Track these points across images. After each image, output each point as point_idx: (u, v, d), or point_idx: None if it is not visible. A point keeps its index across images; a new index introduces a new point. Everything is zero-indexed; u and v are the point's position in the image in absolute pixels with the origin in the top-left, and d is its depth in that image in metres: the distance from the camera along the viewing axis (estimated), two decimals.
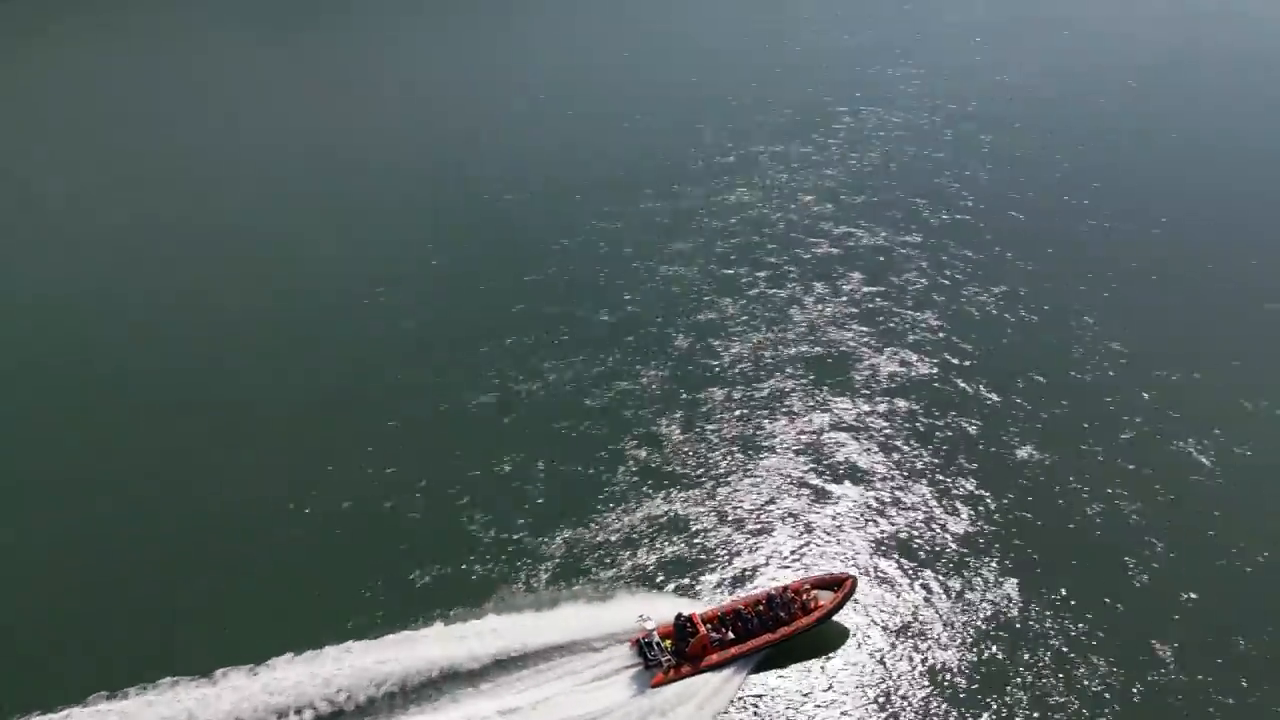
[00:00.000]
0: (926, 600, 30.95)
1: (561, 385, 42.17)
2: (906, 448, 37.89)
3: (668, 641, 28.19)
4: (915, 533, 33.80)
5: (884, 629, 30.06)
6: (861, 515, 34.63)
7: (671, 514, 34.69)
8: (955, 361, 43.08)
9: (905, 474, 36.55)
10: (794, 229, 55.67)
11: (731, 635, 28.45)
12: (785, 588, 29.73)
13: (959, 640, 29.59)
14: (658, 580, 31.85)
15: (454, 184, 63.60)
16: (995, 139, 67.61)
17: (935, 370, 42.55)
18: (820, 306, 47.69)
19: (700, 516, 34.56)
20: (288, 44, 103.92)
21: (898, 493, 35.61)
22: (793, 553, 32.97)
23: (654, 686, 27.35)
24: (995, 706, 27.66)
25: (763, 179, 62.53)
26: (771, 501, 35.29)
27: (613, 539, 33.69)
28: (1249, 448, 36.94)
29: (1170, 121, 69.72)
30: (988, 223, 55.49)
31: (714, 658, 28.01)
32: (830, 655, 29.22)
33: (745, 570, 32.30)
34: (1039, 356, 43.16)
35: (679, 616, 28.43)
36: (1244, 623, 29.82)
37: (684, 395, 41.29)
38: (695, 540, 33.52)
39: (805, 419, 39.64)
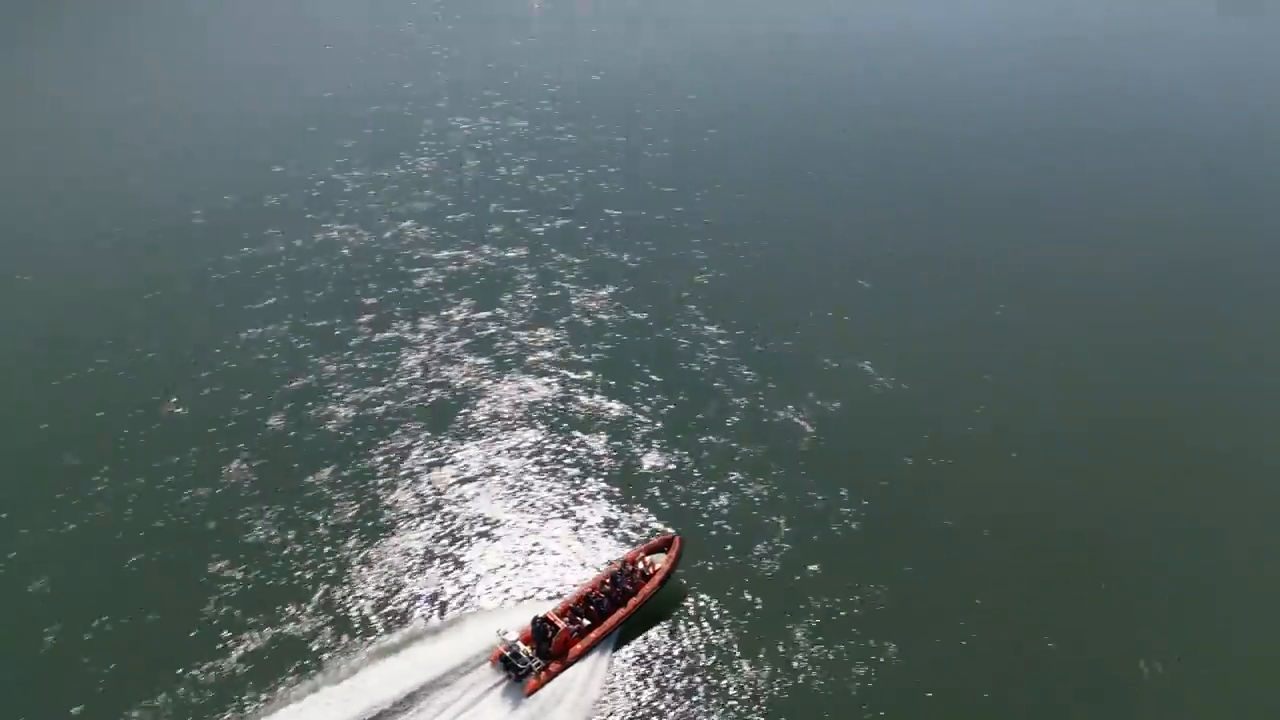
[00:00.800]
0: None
1: (127, 504, 34.28)
2: (540, 483, 35.85)
3: (530, 647, 27.80)
4: (558, 574, 31.88)
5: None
6: (505, 572, 31.91)
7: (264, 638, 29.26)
8: (575, 376, 42.00)
9: (542, 513, 34.45)
10: (393, 261, 51.36)
11: (587, 621, 28.83)
12: (623, 561, 30.38)
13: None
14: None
15: None
16: (583, 139, 68.69)
17: (557, 390, 41.08)
18: (431, 344, 44.11)
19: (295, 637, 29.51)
20: None
21: (536, 535, 33.40)
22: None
23: (529, 694, 27.10)
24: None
25: (353, 209, 57.24)
26: (396, 590, 31.22)
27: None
28: (837, 401, 40.20)
29: (761, 111, 75.20)
30: (588, 224, 55.69)
31: (578, 647, 28.25)
32: (677, 613, 30.20)
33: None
34: (651, 355, 43.61)
35: (535, 619, 28.16)
36: (862, 573, 31.85)
37: (281, 486, 35.51)
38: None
39: (427, 478, 35.94)
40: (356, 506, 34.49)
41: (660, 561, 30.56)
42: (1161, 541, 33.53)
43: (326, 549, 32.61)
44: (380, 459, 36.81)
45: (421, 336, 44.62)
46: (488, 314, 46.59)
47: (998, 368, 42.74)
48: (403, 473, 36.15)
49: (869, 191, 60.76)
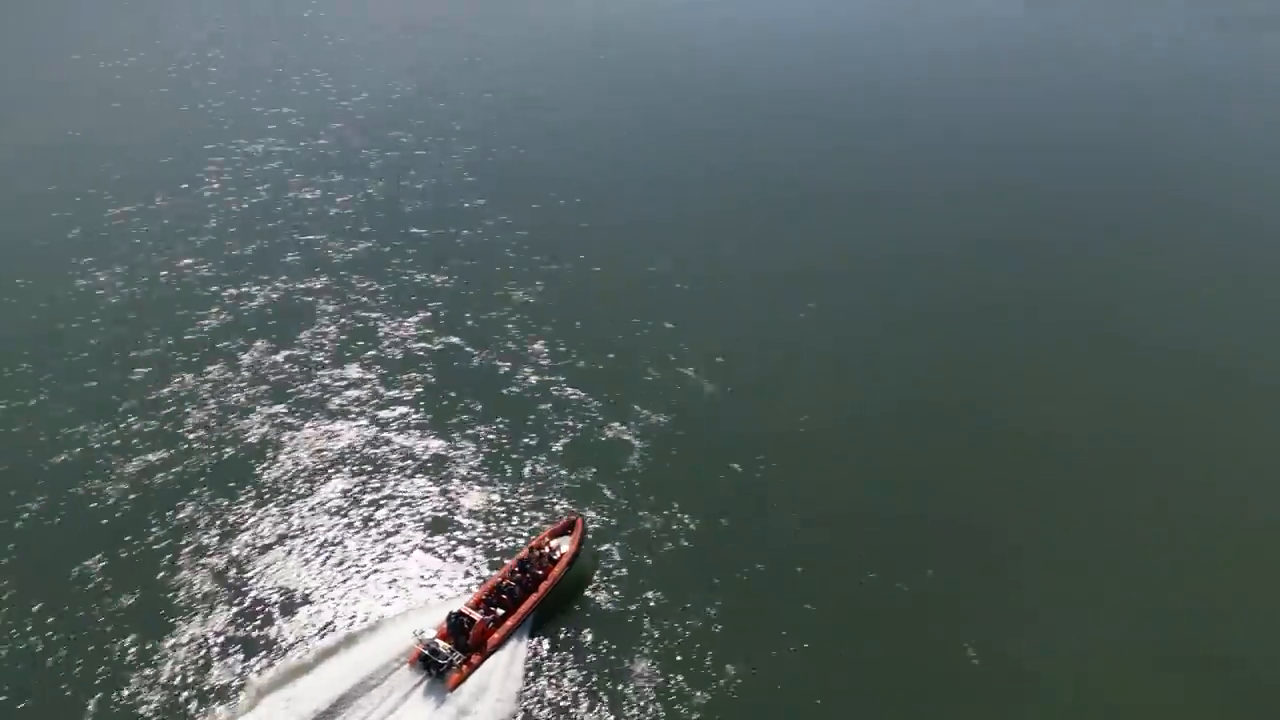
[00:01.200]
0: None
1: None
2: (352, 542, 32.78)
3: (448, 643, 27.45)
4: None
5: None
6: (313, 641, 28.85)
7: None
8: (386, 415, 39.06)
9: (359, 577, 31.45)
10: (173, 304, 46.12)
11: (501, 611, 28.79)
12: (530, 547, 30.60)
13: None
14: None
15: None
16: (382, 154, 65.06)
17: (367, 433, 38.01)
18: (220, 396, 39.69)
19: None
20: None
21: (353, 601, 30.50)
22: None
23: (453, 688, 26.78)
24: None
25: (125, 249, 51.13)
26: (187, 688, 27.59)
27: None
28: (663, 414, 39.50)
29: (562, 114, 74.27)
30: (393, 246, 52.44)
31: (496, 637, 28.11)
32: (588, 591, 30.63)
33: None
34: (469, 382, 41.31)
35: (450, 614, 27.87)
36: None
37: (43, 578, 30.64)
38: None
39: (219, 553, 32.03)
40: (138, 592, 30.31)
41: (566, 545, 30.88)
42: (988, 522, 34.57)
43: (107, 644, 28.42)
44: (164, 533, 32.58)
45: (207, 389, 40.10)
46: (284, 354, 42.59)
47: (815, 364, 43.44)
48: (190, 547, 32.15)
49: (681, 196, 60.73)
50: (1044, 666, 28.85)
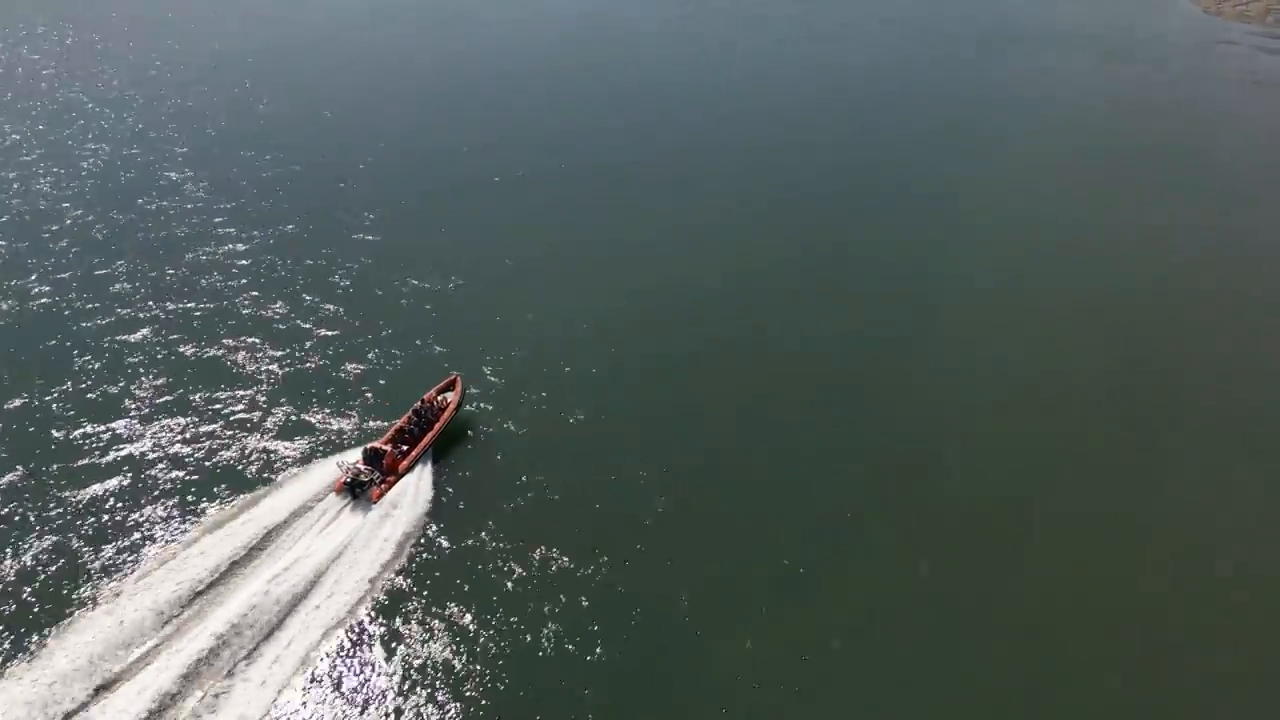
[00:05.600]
0: None
1: None
2: (277, 409, 38.75)
3: (367, 469, 33.77)
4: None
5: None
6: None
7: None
8: (303, 316, 44.93)
9: (284, 435, 37.54)
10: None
11: (405, 446, 35.47)
12: (422, 400, 37.47)
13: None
14: None
15: None
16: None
17: (291, 331, 43.80)
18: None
19: None
20: None
21: (282, 453, 36.45)
22: None
23: (376, 501, 33.17)
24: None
25: None
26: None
27: None
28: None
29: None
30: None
31: (404, 464, 34.75)
32: (470, 433, 37.75)
33: None
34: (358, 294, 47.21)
35: (365, 449, 34.55)
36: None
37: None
38: None
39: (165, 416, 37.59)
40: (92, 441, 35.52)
41: (451, 396, 38.02)
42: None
43: None
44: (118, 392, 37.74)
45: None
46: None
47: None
48: (138, 410, 37.46)
49: (473, 195, 60.47)
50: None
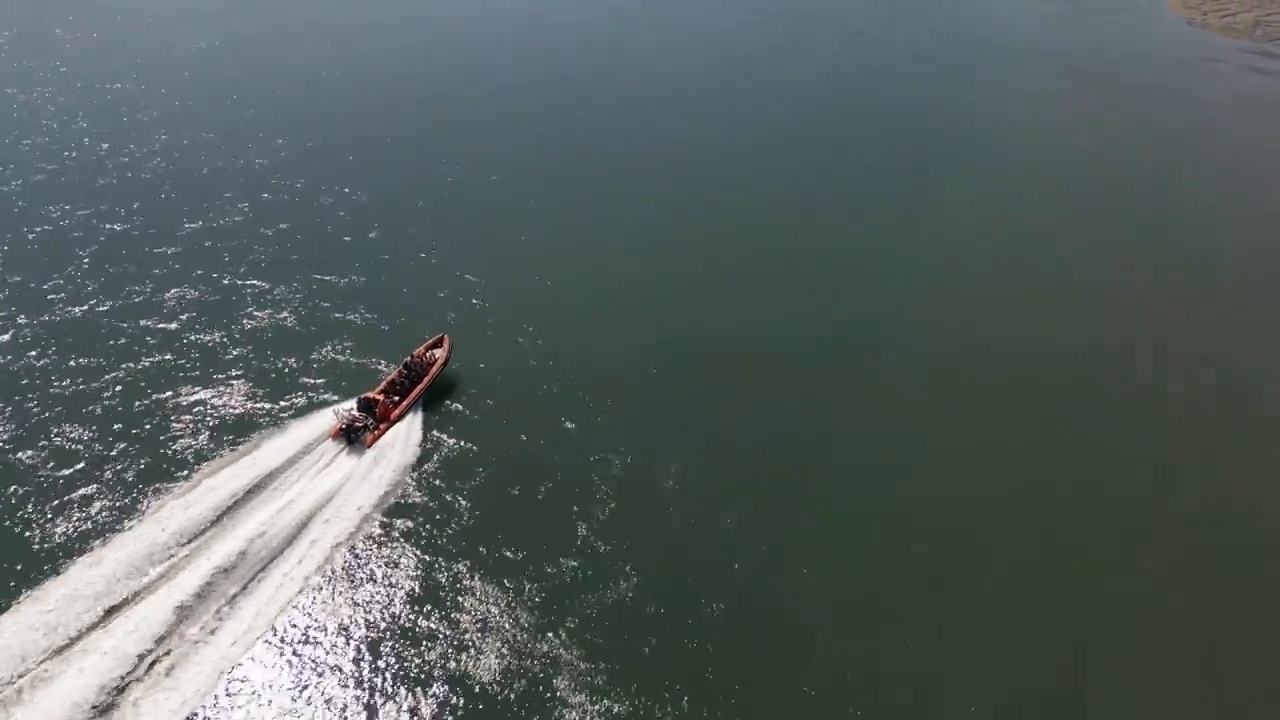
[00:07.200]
0: None
1: None
2: (279, 363, 41.46)
3: (361, 416, 36.26)
4: None
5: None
6: None
7: None
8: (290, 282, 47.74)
9: (284, 386, 40.27)
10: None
11: (397, 397, 38.05)
12: (412, 355, 40.13)
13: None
14: None
15: None
16: None
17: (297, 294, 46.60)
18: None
19: None
20: None
21: (283, 402, 39.11)
22: None
23: (370, 445, 35.73)
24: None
25: None
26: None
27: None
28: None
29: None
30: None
31: (396, 413, 37.35)
32: (460, 389, 40.39)
33: None
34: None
35: (360, 399, 36.98)
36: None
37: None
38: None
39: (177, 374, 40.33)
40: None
41: (439, 352, 40.65)
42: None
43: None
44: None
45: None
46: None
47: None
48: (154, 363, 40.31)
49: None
50: None
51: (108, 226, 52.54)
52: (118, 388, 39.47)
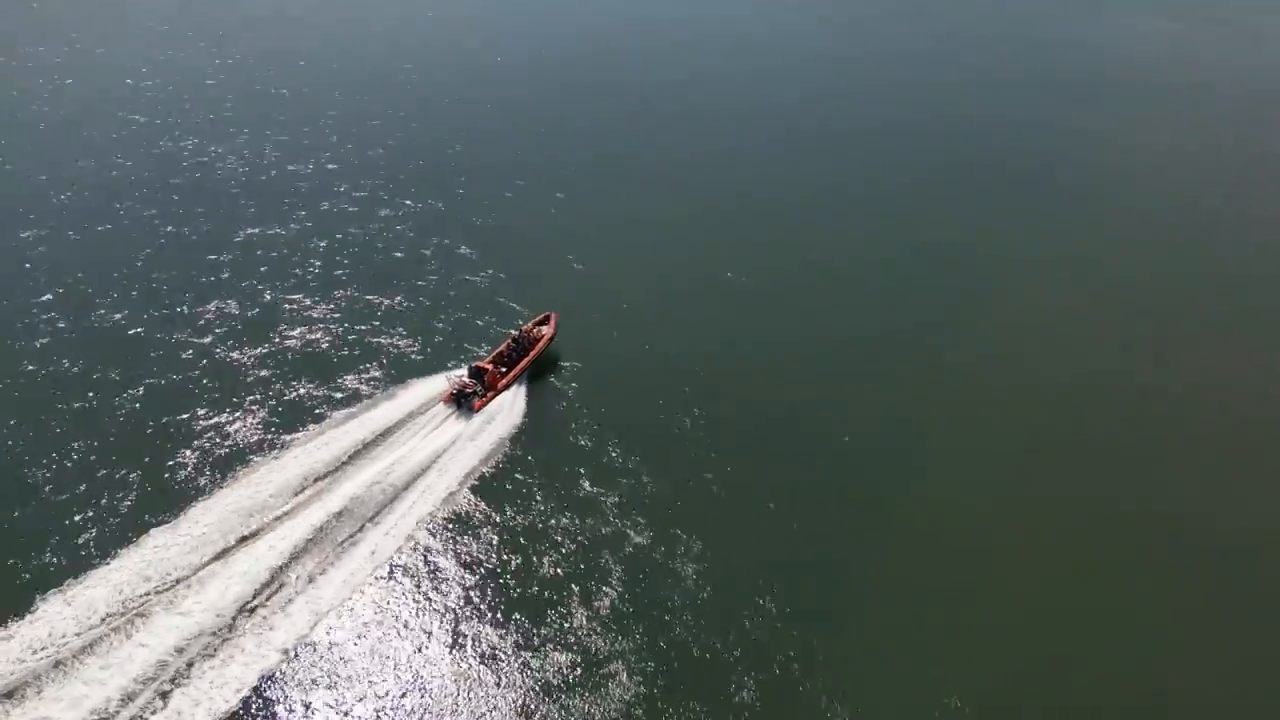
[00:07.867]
0: None
1: None
2: (396, 337, 43.64)
3: (471, 382, 38.57)
4: None
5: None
6: None
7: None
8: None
9: (408, 354, 42.33)
10: None
11: (505, 368, 39.89)
12: (521, 330, 42.26)
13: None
14: None
15: None
16: None
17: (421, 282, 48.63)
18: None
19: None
20: None
21: (402, 367, 41.01)
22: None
23: (478, 410, 37.87)
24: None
25: None
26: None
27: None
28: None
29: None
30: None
31: (504, 382, 39.33)
32: (562, 366, 42.68)
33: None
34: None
35: (470, 367, 39.54)
36: None
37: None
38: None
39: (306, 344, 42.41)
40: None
41: (546, 329, 42.54)
42: None
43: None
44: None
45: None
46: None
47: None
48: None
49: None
50: None
51: (168, 229, 52.62)
52: (252, 347, 42.58)
